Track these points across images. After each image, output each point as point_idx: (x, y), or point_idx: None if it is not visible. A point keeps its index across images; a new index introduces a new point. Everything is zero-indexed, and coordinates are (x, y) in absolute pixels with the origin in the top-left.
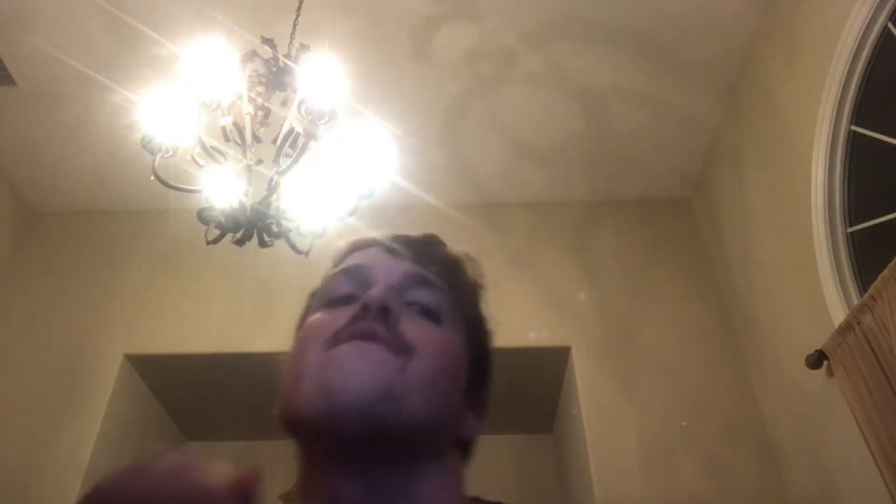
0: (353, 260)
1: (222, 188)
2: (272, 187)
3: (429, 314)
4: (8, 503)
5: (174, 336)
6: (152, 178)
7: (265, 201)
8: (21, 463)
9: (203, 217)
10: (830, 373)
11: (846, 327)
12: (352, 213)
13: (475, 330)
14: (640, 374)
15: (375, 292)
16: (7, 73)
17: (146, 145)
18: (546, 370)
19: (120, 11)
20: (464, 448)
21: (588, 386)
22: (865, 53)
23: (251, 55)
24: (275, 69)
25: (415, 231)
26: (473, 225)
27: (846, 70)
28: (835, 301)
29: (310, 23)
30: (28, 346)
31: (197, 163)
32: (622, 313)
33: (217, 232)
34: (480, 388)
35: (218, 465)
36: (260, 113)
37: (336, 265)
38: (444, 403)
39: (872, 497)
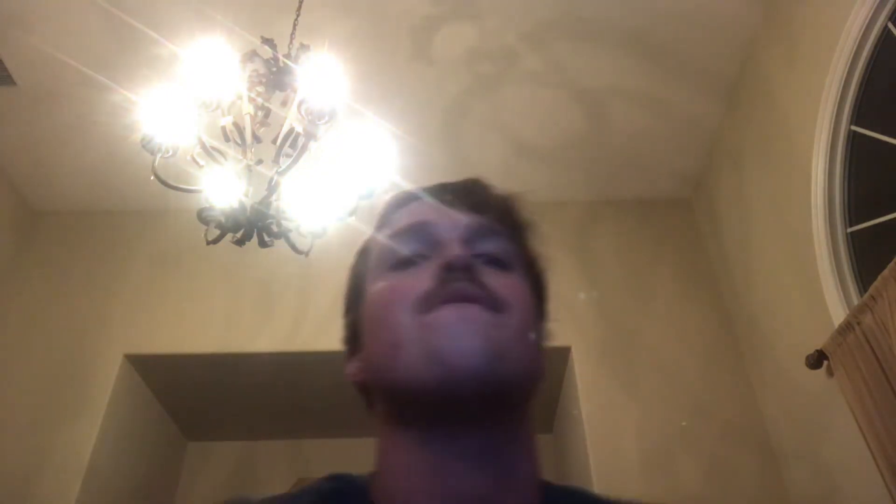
0: (406, 217)
1: (222, 188)
2: (272, 187)
3: (497, 263)
4: (8, 503)
5: (174, 336)
6: (152, 178)
7: (265, 201)
8: (21, 463)
9: (203, 217)
10: (830, 373)
11: (846, 327)
12: (352, 213)
13: (534, 269)
14: (640, 374)
15: (454, 250)
16: (7, 73)
17: (146, 145)
18: (546, 370)
19: (120, 11)
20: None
21: (588, 386)
22: (865, 53)
23: (251, 55)
24: (275, 69)
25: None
26: None
27: (846, 70)
28: (835, 301)
29: (310, 23)
30: (28, 346)
31: (197, 163)
32: (622, 313)
33: (217, 232)
34: (543, 325)
35: None
36: (260, 113)
37: (383, 224)
38: (537, 351)
39: (872, 497)
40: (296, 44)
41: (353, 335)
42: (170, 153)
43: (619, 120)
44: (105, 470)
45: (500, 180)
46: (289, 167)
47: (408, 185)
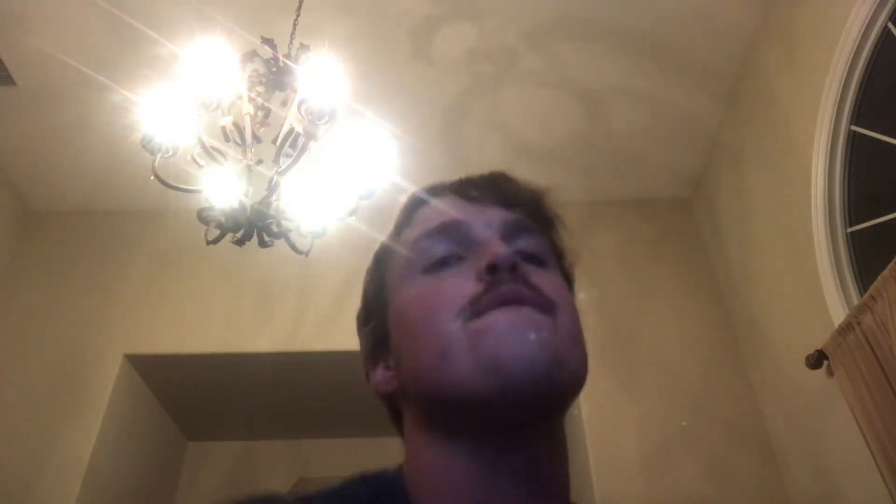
0: (433, 216)
1: (222, 188)
2: (272, 187)
3: (535, 260)
4: (8, 503)
5: (174, 336)
6: (152, 178)
7: (265, 201)
8: (21, 463)
9: (203, 217)
10: (830, 373)
11: (846, 327)
12: (352, 213)
13: (564, 262)
14: (640, 374)
15: (500, 250)
16: (7, 73)
17: (146, 145)
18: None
19: (120, 11)
20: None
21: (588, 386)
22: (865, 53)
23: (251, 55)
24: (275, 69)
25: None
26: None
27: (846, 70)
28: (835, 301)
29: (310, 23)
30: (28, 347)
31: (197, 163)
32: (622, 313)
33: (217, 232)
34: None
35: None
36: (260, 113)
37: (406, 224)
38: (585, 349)
39: (872, 497)
40: (296, 44)
41: (377, 344)
42: (170, 153)
43: (619, 120)
44: (105, 470)
45: None
46: (289, 167)
47: (408, 185)
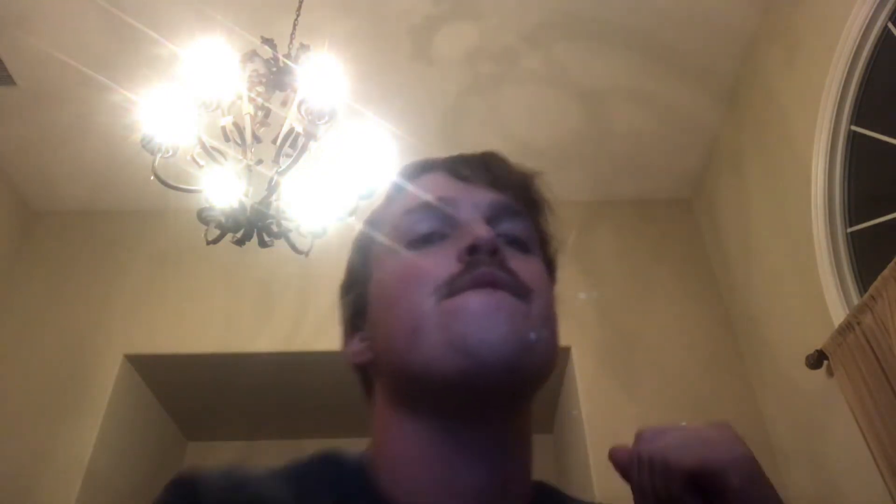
0: (423, 192)
1: (222, 188)
2: (272, 187)
3: (517, 244)
4: (8, 503)
5: (174, 336)
6: (152, 178)
7: (265, 201)
8: (21, 463)
9: (203, 217)
10: (830, 373)
11: (846, 327)
12: (352, 213)
13: (548, 249)
14: (640, 374)
15: (482, 232)
16: (7, 73)
17: (146, 145)
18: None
19: (120, 11)
20: None
21: (588, 386)
22: (865, 53)
23: (251, 55)
24: (275, 69)
25: None
26: None
27: (846, 70)
28: (835, 301)
29: (310, 23)
30: (28, 346)
31: (197, 163)
32: (622, 313)
33: (217, 232)
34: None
35: None
36: (260, 113)
37: (396, 196)
38: (556, 337)
39: (872, 497)
40: (296, 44)
41: (356, 313)
42: (170, 153)
43: (619, 120)
44: (105, 470)
45: None
46: (289, 167)
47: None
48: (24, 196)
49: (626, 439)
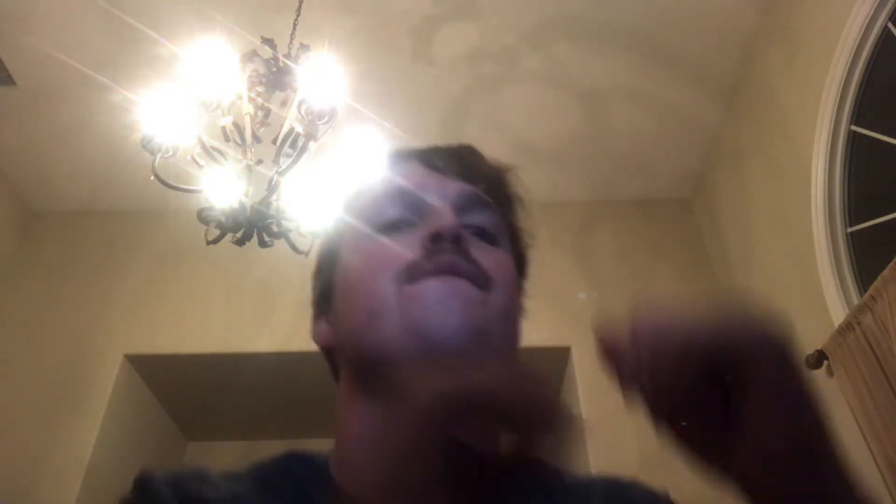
0: (395, 180)
1: (222, 188)
2: (272, 187)
3: (485, 236)
4: (8, 503)
5: (174, 336)
6: (152, 178)
7: (265, 201)
8: (21, 463)
9: (203, 217)
10: (830, 373)
11: (846, 327)
12: None
13: (518, 244)
14: None
15: (447, 220)
16: (7, 73)
17: (146, 145)
18: (546, 370)
19: (120, 11)
20: None
21: (588, 386)
22: (865, 53)
23: (251, 55)
24: (275, 69)
25: None
26: None
27: (846, 70)
28: (835, 301)
29: (310, 22)
30: (28, 346)
31: (197, 163)
32: (622, 313)
33: (217, 232)
34: (523, 307)
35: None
36: (260, 113)
37: (370, 184)
38: (518, 330)
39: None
40: (296, 44)
41: (323, 296)
42: (170, 153)
43: (619, 120)
44: (105, 470)
45: None
46: (289, 167)
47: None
48: (24, 196)
49: (627, 439)
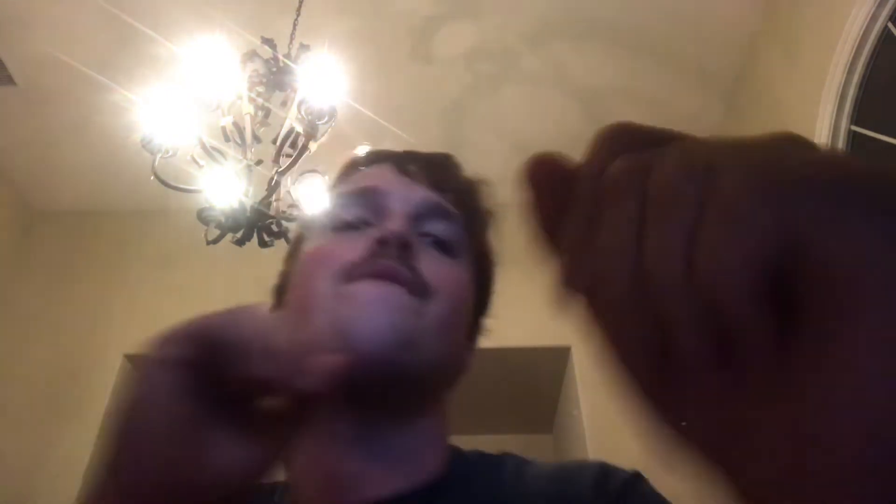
0: (363, 180)
1: (222, 188)
2: (272, 187)
3: (442, 246)
4: (8, 503)
5: None
6: (152, 178)
7: (265, 201)
8: (21, 463)
9: (203, 217)
10: None
11: None
12: None
13: (483, 261)
14: None
15: (396, 227)
16: (7, 73)
17: (146, 145)
18: (546, 370)
19: (120, 11)
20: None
21: (588, 386)
22: (865, 53)
23: (251, 55)
24: (275, 69)
25: None
26: None
27: (846, 70)
28: None
29: (310, 23)
30: (28, 347)
31: (197, 163)
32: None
33: (217, 232)
34: (481, 320)
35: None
36: (260, 113)
37: (342, 181)
38: (457, 345)
39: None
40: (296, 44)
41: (278, 292)
42: (170, 153)
43: (618, 120)
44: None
45: (501, 180)
46: (289, 167)
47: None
48: (25, 196)
49: (627, 439)
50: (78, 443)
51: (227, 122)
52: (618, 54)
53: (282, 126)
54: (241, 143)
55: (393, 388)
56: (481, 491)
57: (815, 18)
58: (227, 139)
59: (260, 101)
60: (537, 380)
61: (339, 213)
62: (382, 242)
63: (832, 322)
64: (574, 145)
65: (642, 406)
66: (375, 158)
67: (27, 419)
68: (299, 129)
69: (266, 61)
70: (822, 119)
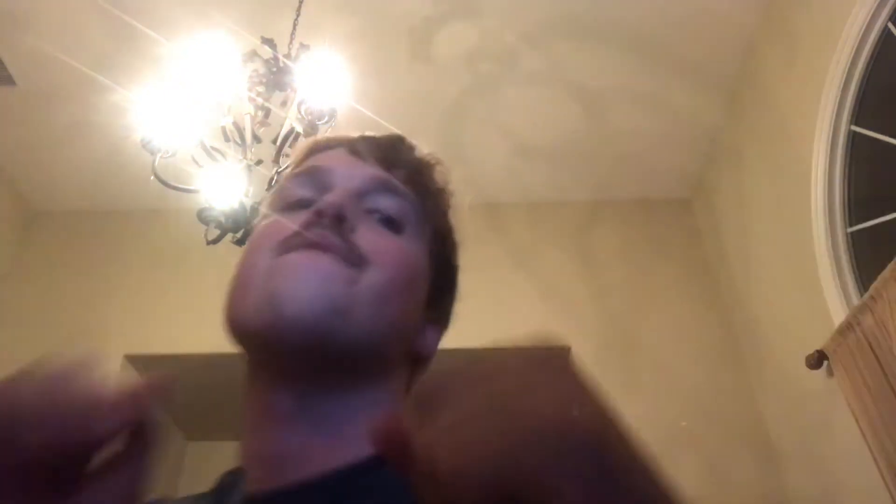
0: (313, 162)
1: (222, 188)
2: (272, 187)
3: (390, 223)
4: None
5: (174, 336)
6: (152, 178)
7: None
8: None
9: (203, 217)
10: (830, 373)
11: (846, 327)
12: None
13: (441, 240)
14: (640, 375)
15: (331, 198)
16: (7, 73)
17: (146, 145)
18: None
19: (120, 11)
20: (420, 363)
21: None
22: (865, 53)
23: (251, 55)
24: (275, 69)
25: None
26: (473, 225)
27: (846, 70)
28: (835, 301)
29: (310, 22)
30: (28, 347)
31: (197, 163)
32: (622, 313)
33: (217, 232)
34: (443, 300)
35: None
36: (260, 113)
37: (296, 166)
38: (397, 318)
39: (872, 497)
40: (296, 43)
41: None
42: (170, 153)
43: (619, 120)
44: None
45: (501, 180)
46: (288, 167)
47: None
48: (24, 196)
49: None
50: None
51: (227, 122)
52: (618, 54)
53: (282, 126)
54: (241, 143)
55: (325, 356)
56: None
57: (815, 18)
58: (227, 139)
59: (260, 101)
60: None
61: (285, 195)
62: (318, 214)
63: None
64: (574, 145)
65: None
66: (329, 143)
67: None
68: (299, 129)
69: (266, 61)
70: (822, 119)
